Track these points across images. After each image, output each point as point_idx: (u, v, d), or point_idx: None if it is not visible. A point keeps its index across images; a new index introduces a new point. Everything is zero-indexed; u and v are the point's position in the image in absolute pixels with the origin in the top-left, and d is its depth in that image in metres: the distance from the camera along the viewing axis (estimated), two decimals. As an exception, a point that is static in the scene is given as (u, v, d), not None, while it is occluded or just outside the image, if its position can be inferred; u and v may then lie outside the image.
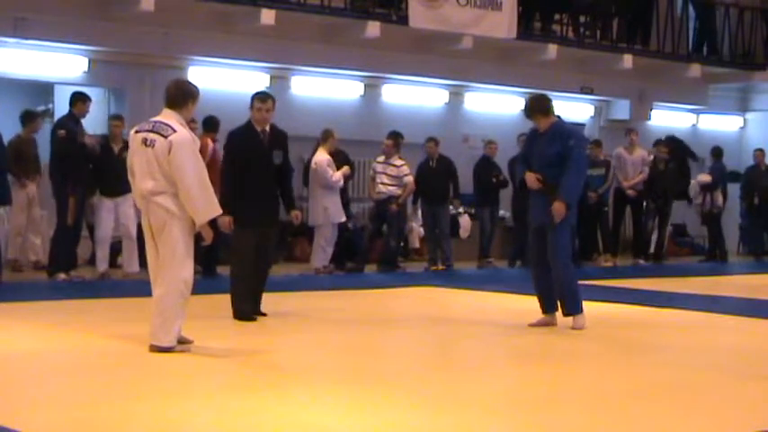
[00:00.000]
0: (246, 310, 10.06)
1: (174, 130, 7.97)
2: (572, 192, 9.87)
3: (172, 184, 7.98)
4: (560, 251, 9.94)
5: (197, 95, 8.29)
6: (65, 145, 12.90)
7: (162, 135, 7.97)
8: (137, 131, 8.16)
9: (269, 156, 10.18)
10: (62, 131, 12.98)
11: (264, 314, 10.29)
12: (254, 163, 10.11)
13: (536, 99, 10.23)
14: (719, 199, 19.30)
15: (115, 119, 13.73)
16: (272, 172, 10.21)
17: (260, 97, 10.36)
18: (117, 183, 13.29)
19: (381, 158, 15.71)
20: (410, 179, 15.69)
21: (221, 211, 8.35)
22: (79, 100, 13.18)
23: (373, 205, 15.96)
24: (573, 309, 10.03)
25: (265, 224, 10.15)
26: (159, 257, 8.09)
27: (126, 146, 13.29)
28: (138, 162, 8.09)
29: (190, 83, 8.50)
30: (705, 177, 19.18)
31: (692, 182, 19.22)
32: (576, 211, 10.17)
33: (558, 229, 9.87)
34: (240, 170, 10.06)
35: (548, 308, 10.14)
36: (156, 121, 8.11)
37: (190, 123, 12.55)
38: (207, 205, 8.06)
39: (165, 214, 8.00)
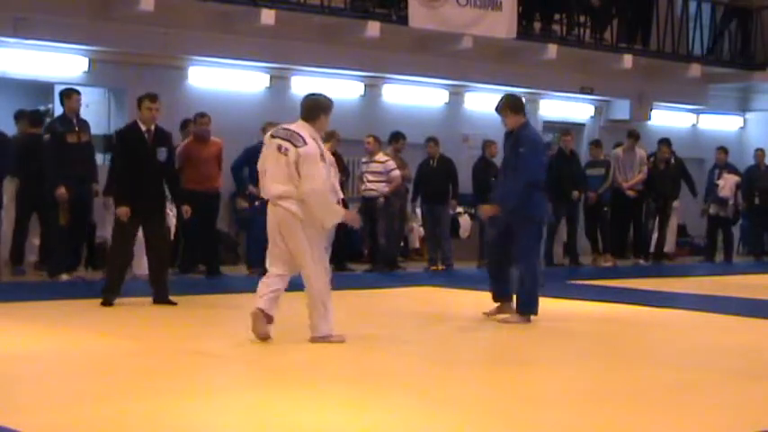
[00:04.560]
0: (108, 297, 10.81)
1: (306, 143, 8.50)
2: (508, 198, 10.21)
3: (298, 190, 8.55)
4: (525, 251, 10.18)
5: (329, 109, 8.83)
6: (51, 148, 12.86)
7: (294, 145, 8.51)
8: (272, 136, 8.70)
9: (153, 153, 10.94)
10: (47, 135, 13.04)
11: (175, 303, 10.87)
12: (140, 160, 10.98)
13: (509, 95, 10.56)
14: (740, 198, 19.39)
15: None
16: (156, 169, 11.01)
17: (151, 97, 11.09)
18: None
19: (365, 158, 15.74)
20: (397, 173, 15.59)
21: (342, 215, 8.90)
22: (64, 97, 13.15)
23: (361, 203, 15.92)
24: (526, 309, 10.22)
25: (149, 218, 11.00)
26: (293, 258, 8.70)
27: None
28: (270, 166, 8.67)
29: (323, 96, 8.95)
30: (735, 177, 19.15)
31: (721, 182, 19.14)
32: (550, 211, 10.53)
33: (525, 229, 10.15)
34: (127, 167, 10.99)
35: (499, 296, 10.47)
36: (291, 130, 8.64)
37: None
38: (329, 211, 8.67)
39: (292, 218, 8.58)
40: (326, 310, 8.68)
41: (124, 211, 10.82)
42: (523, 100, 10.54)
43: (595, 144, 18.11)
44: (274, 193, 8.62)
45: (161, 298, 10.96)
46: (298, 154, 8.46)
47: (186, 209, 11.55)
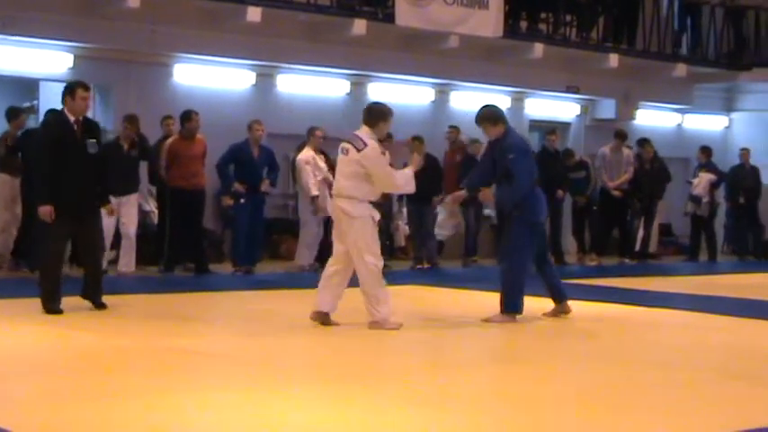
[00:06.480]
0: (53, 305, 9.95)
1: (366, 144, 9.44)
2: (504, 204, 10.47)
3: (354, 188, 9.44)
4: (513, 249, 10.29)
5: (388, 116, 9.69)
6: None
7: (355, 147, 9.47)
8: (342, 142, 9.71)
9: (83, 145, 10.07)
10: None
11: (105, 305, 10.26)
12: (69, 152, 10.07)
13: (486, 107, 10.68)
14: (720, 197, 19.42)
15: (126, 120, 13.66)
16: (87, 161, 10.09)
17: (85, 86, 10.28)
18: (121, 182, 13.09)
19: None
20: None
21: (410, 176, 9.75)
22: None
23: None
24: (509, 308, 10.27)
25: (81, 214, 10.12)
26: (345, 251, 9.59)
27: (133, 145, 13.41)
28: (338, 167, 9.67)
29: (382, 105, 9.87)
30: (709, 175, 19.20)
31: (695, 181, 19.21)
32: (547, 213, 10.75)
33: (517, 228, 10.25)
34: (55, 160, 9.99)
35: (554, 298, 10.74)
36: (354, 135, 9.59)
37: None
38: (406, 186, 9.81)
39: (342, 215, 9.49)
40: (377, 300, 9.55)
41: (47, 210, 9.85)
42: (501, 107, 10.73)
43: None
44: (334, 189, 9.75)
45: (96, 302, 10.30)
46: (360, 155, 9.41)
47: (110, 208, 10.91)
